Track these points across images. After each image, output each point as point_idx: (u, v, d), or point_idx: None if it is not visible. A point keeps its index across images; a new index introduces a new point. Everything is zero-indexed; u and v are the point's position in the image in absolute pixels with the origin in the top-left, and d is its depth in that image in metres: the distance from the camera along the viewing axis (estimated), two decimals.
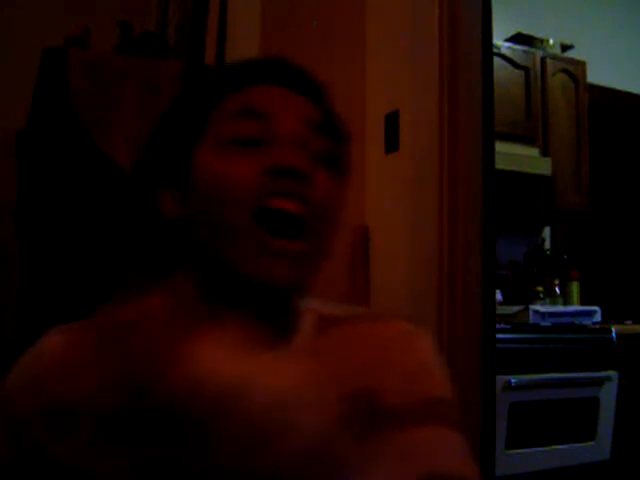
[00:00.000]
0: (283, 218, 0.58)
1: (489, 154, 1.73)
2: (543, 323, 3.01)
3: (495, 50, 2.81)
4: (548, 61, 3.47)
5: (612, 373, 2.88)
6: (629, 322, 3.29)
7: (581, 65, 3.57)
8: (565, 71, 3.53)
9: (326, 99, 0.72)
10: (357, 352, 0.63)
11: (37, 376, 0.63)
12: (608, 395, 2.86)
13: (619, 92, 3.84)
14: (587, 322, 3.15)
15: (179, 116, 0.65)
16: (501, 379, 2.54)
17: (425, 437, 0.58)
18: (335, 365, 0.61)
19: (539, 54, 3.45)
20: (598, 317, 3.21)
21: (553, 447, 2.71)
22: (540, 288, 3.42)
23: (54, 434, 0.60)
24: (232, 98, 0.63)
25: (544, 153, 3.40)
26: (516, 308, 3.08)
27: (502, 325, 2.73)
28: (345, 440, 0.58)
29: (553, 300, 3.42)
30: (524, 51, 3.41)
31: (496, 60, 2.67)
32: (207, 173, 0.60)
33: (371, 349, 0.64)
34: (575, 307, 3.36)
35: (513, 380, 2.61)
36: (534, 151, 3.38)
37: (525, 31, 3.49)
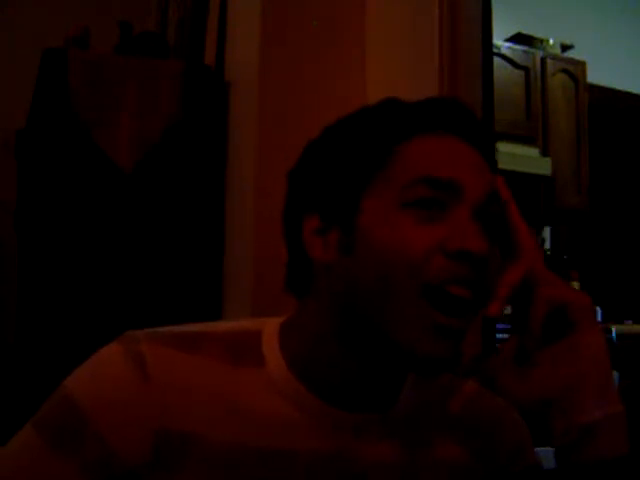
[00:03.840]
0: (455, 301, 0.56)
1: None
2: None
3: (495, 50, 2.82)
4: (548, 61, 3.47)
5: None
6: (629, 322, 3.29)
7: (581, 65, 3.57)
8: (565, 71, 3.53)
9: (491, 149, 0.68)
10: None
11: (141, 394, 0.56)
12: None
13: (619, 92, 3.85)
14: None
15: (350, 154, 0.61)
16: None
17: None
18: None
19: (539, 54, 3.46)
20: (598, 317, 3.21)
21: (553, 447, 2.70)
22: None
23: (159, 463, 0.56)
24: (409, 147, 0.59)
25: (544, 153, 3.41)
26: None
27: (502, 325, 2.73)
28: None
29: None
30: (524, 51, 3.41)
31: (496, 60, 2.67)
32: (380, 237, 0.56)
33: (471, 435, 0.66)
34: None
35: None
36: (534, 151, 3.38)
37: (525, 31, 3.50)
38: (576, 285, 3.49)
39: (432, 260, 0.55)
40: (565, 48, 3.64)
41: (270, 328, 0.63)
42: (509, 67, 3.33)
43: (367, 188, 0.58)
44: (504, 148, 3.18)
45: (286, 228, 0.64)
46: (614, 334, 2.98)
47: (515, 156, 3.24)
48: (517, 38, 3.46)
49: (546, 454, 2.63)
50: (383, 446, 0.60)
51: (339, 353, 0.59)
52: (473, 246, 0.55)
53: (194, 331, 0.63)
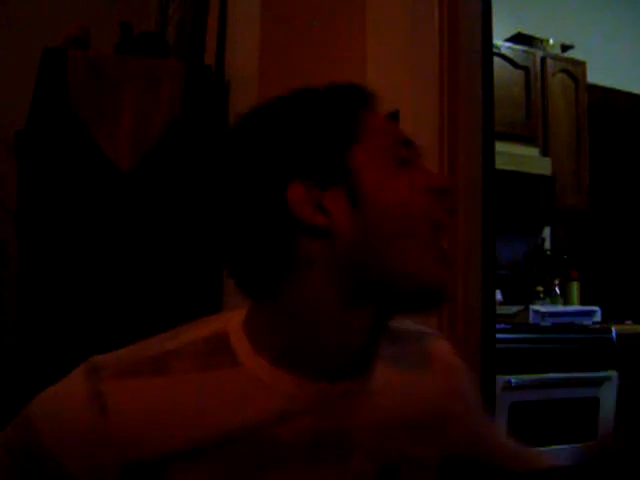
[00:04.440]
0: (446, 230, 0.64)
1: (489, 154, 1.73)
2: (543, 323, 3.01)
3: (495, 50, 2.81)
4: (548, 61, 3.47)
5: (612, 373, 2.88)
6: (629, 322, 3.29)
7: (581, 65, 3.57)
8: (565, 71, 3.53)
9: None
10: (426, 379, 0.73)
11: (101, 433, 0.57)
12: (608, 395, 2.86)
13: (619, 92, 3.84)
14: (587, 322, 3.15)
15: (331, 113, 0.67)
16: (501, 379, 2.54)
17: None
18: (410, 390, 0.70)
19: (539, 54, 3.45)
20: (598, 317, 3.21)
21: (553, 447, 2.71)
22: (540, 288, 3.42)
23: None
24: (371, 118, 0.68)
25: (544, 153, 3.40)
26: (516, 308, 3.08)
27: (502, 325, 2.73)
28: None
29: (553, 300, 3.42)
30: (524, 51, 3.41)
31: (496, 60, 2.67)
32: (390, 189, 0.61)
33: (435, 375, 0.74)
34: (575, 307, 3.36)
35: (513, 380, 2.61)
36: (534, 151, 3.38)
37: (525, 31, 3.49)
38: (576, 285, 3.50)
39: (429, 202, 0.63)
40: (565, 48, 3.64)
41: (235, 329, 0.64)
42: (509, 67, 3.33)
43: (352, 148, 0.62)
44: (504, 148, 3.17)
45: (254, 206, 0.61)
46: (614, 334, 2.98)
47: (515, 156, 3.24)
48: (517, 38, 3.46)
49: (549, 454, 2.60)
50: (365, 411, 0.64)
51: (343, 326, 0.61)
52: (446, 182, 0.68)
53: (159, 352, 0.63)
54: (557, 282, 3.47)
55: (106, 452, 0.57)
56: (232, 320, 0.65)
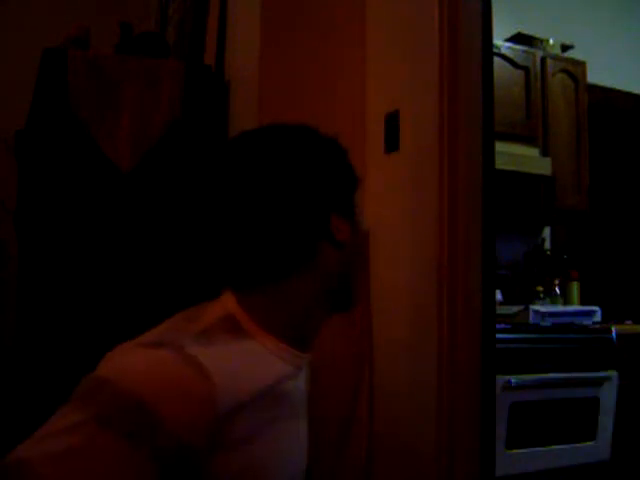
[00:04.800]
0: None
1: (489, 154, 1.73)
2: (543, 323, 3.01)
3: (495, 50, 2.81)
4: (548, 61, 3.47)
5: (612, 373, 2.88)
6: (629, 322, 3.29)
7: (581, 65, 3.57)
8: (565, 71, 3.53)
9: None
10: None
11: (203, 390, 0.68)
12: (608, 395, 2.86)
13: (619, 92, 3.84)
14: (587, 322, 3.15)
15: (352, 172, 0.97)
16: (501, 379, 2.54)
17: None
18: None
19: (539, 54, 3.45)
20: (598, 317, 3.21)
21: (553, 447, 2.71)
22: (540, 288, 3.42)
23: (219, 442, 0.69)
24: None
25: (544, 153, 3.40)
26: (516, 308, 3.08)
27: (502, 325, 2.73)
28: None
29: (553, 300, 3.42)
30: (524, 51, 3.41)
31: (496, 60, 2.67)
32: (357, 231, 0.93)
33: None
34: (575, 307, 3.36)
35: (513, 380, 2.61)
36: (534, 151, 3.38)
37: (525, 31, 3.49)
38: (576, 285, 3.50)
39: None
40: (565, 48, 3.64)
41: (236, 311, 0.81)
42: (509, 67, 3.33)
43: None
44: (504, 148, 3.16)
45: (309, 222, 0.86)
46: (614, 334, 2.98)
47: (515, 156, 3.24)
48: (517, 38, 3.46)
49: (549, 454, 2.58)
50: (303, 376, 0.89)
51: (316, 313, 0.86)
52: None
53: (198, 330, 0.76)
54: (557, 282, 3.47)
55: (206, 406, 0.68)
56: (226, 305, 0.82)
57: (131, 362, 0.69)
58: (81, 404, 0.66)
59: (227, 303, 0.82)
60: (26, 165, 2.15)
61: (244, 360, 0.76)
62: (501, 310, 2.83)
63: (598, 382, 2.84)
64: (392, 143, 1.84)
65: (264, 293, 0.83)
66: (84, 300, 1.91)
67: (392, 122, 1.84)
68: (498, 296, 2.99)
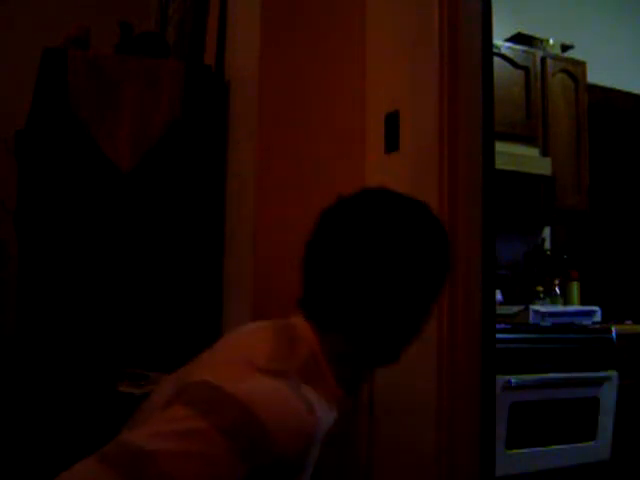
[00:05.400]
0: None
1: (489, 154, 1.73)
2: (543, 323, 3.01)
3: (495, 50, 2.81)
4: (548, 61, 3.47)
5: (612, 373, 2.88)
6: (629, 322, 3.29)
7: (581, 65, 3.57)
8: (565, 71, 3.53)
9: None
10: None
11: (305, 431, 0.78)
12: (608, 395, 2.86)
13: (619, 92, 3.84)
14: (587, 322, 3.15)
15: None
16: (501, 379, 2.54)
17: None
18: None
19: (539, 54, 3.45)
20: (598, 317, 3.21)
21: (553, 447, 2.71)
22: (540, 288, 3.42)
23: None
24: None
25: (544, 153, 3.40)
26: (516, 308, 3.08)
27: (502, 325, 2.73)
28: None
29: (553, 300, 3.42)
30: (524, 51, 3.41)
31: (496, 60, 2.66)
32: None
33: None
34: (575, 307, 3.35)
35: (513, 380, 2.61)
36: (534, 151, 3.38)
37: (525, 31, 3.49)
38: (576, 285, 3.49)
39: None
40: (565, 48, 3.64)
41: (316, 348, 0.88)
42: (509, 67, 3.33)
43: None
44: (504, 148, 3.15)
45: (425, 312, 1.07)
46: (614, 334, 2.98)
47: (515, 156, 3.24)
48: (517, 38, 3.46)
49: (549, 454, 2.58)
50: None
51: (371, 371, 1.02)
52: None
53: (296, 366, 0.84)
54: (557, 282, 3.47)
55: (312, 440, 0.78)
56: (309, 339, 0.88)
57: (258, 388, 0.77)
58: (201, 413, 0.73)
59: (309, 337, 0.89)
60: (26, 165, 2.15)
61: (324, 400, 0.84)
62: (501, 310, 2.83)
63: (598, 382, 2.84)
64: (392, 143, 1.84)
65: (343, 340, 0.91)
66: (84, 300, 1.91)
67: (392, 122, 1.84)
68: (498, 296, 2.99)
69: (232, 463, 0.71)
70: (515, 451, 2.61)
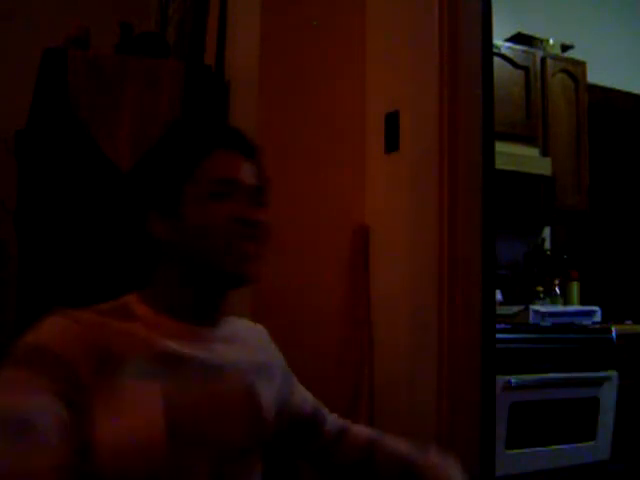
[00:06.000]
0: (246, 248, 0.99)
1: (489, 154, 1.73)
2: (543, 323, 3.01)
3: (495, 50, 2.82)
4: (548, 61, 3.47)
5: (612, 373, 2.88)
6: (629, 322, 3.29)
7: (581, 65, 3.57)
8: (565, 71, 3.53)
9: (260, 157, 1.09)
10: (250, 336, 1.11)
11: (74, 333, 0.88)
12: (608, 395, 2.86)
13: (619, 92, 3.85)
14: (587, 322, 3.15)
15: (173, 158, 1.00)
16: (501, 379, 2.54)
17: None
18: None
19: (539, 54, 3.46)
20: (598, 317, 3.21)
21: (553, 447, 2.71)
22: (540, 288, 3.42)
23: (99, 374, 0.86)
24: (213, 157, 0.99)
25: (544, 153, 3.41)
26: (516, 308, 3.09)
27: (502, 325, 2.73)
28: None
29: (553, 300, 3.42)
30: (524, 51, 3.41)
31: (496, 60, 2.67)
32: (198, 218, 0.95)
33: (255, 336, 1.13)
34: (575, 307, 3.36)
35: (513, 380, 2.61)
36: (534, 151, 3.38)
37: (525, 31, 3.50)
38: (576, 285, 3.50)
39: (230, 229, 0.95)
40: (565, 48, 3.64)
41: (133, 299, 1.01)
42: (509, 67, 3.33)
43: (185, 188, 0.96)
44: (504, 148, 3.16)
45: (135, 223, 1.02)
46: (614, 334, 2.99)
47: (515, 156, 3.24)
48: (517, 38, 3.46)
49: (549, 454, 2.58)
50: (217, 347, 1.00)
51: (187, 293, 0.99)
52: (251, 214, 0.97)
53: (97, 309, 0.97)
54: (557, 282, 3.47)
55: (84, 342, 0.87)
56: (126, 296, 1.03)
57: (40, 326, 0.89)
58: (8, 362, 0.86)
59: (127, 297, 1.02)
60: (26, 165, 2.15)
61: (122, 330, 0.93)
62: (501, 310, 2.83)
63: (598, 382, 2.85)
64: (392, 143, 1.84)
65: (151, 285, 1.02)
66: (84, 300, 1.90)
67: (392, 122, 1.84)
68: (498, 296, 2.99)
69: (37, 384, 0.82)
70: (515, 451, 2.61)
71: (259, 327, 1.17)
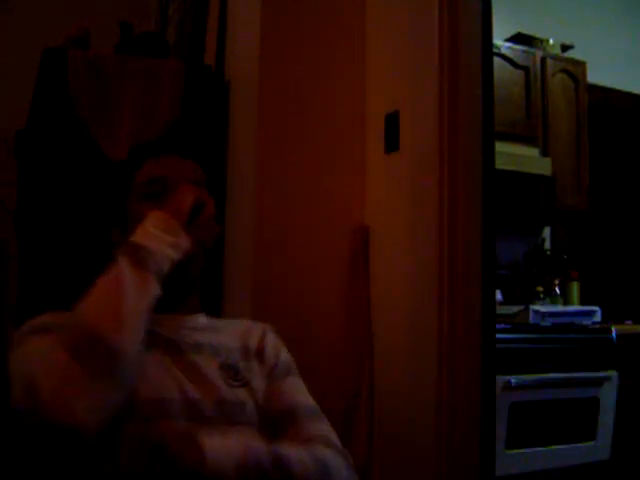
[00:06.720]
0: None
1: (489, 154, 1.73)
2: (543, 323, 3.01)
3: (495, 50, 2.82)
4: (548, 61, 3.47)
5: (612, 373, 2.88)
6: (629, 322, 3.29)
7: (581, 65, 3.57)
8: (565, 71, 3.53)
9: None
10: (245, 329, 1.18)
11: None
12: (608, 395, 2.86)
13: (619, 92, 3.85)
14: (587, 322, 3.15)
15: (121, 182, 1.16)
16: (501, 379, 2.54)
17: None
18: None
19: (539, 54, 3.46)
20: (598, 317, 3.21)
21: (553, 447, 2.71)
22: (540, 288, 3.42)
23: None
24: (144, 167, 1.15)
25: (544, 153, 3.41)
26: (516, 308, 3.09)
27: (502, 325, 2.73)
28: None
29: (553, 300, 3.42)
30: (524, 51, 3.41)
31: (496, 60, 2.67)
32: (136, 214, 1.06)
33: (252, 330, 1.19)
34: (575, 307, 3.36)
35: (513, 380, 2.61)
36: (534, 151, 3.38)
37: (525, 31, 3.50)
38: (576, 285, 3.50)
39: None
40: (565, 48, 3.64)
41: None
42: (509, 67, 3.33)
43: (128, 201, 1.13)
44: (504, 148, 3.16)
45: (107, 231, 1.18)
46: (614, 334, 2.98)
47: (515, 156, 3.24)
48: (517, 38, 3.46)
49: (549, 454, 2.57)
50: (192, 330, 1.11)
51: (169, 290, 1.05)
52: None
53: None
54: (557, 282, 3.47)
55: None
56: None
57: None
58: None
59: None
60: (26, 165, 2.15)
61: None
62: (501, 310, 2.83)
63: (598, 382, 2.85)
64: (392, 143, 1.84)
65: None
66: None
67: (392, 122, 1.84)
68: (498, 296, 2.99)
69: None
70: (515, 451, 2.61)
71: (260, 324, 1.22)
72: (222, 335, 1.13)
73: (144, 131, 1.98)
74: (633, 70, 3.86)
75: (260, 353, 1.13)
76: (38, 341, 0.98)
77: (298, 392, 1.14)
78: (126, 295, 0.94)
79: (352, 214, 1.94)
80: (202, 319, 1.15)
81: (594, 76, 3.61)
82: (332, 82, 1.96)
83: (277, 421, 1.07)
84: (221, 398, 1.02)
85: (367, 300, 1.88)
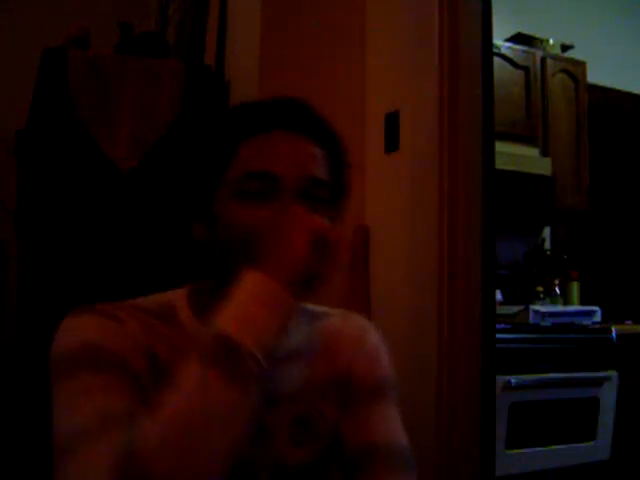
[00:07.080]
0: None
1: (489, 154, 1.73)
2: (543, 323, 3.01)
3: (495, 50, 2.81)
4: (548, 61, 3.47)
5: (612, 373, 2.88)
6: (629, 322, 3.29)
7: (581, 65, 3.57)
8: (565, 71, 3.53)
9: (331, 135, 0.91)
10: (333, 343, 0.92)
11: (119, 331, 0.83)
12: (608, 395, 2.86)
13: (619, 92, 3.85)
14: (587, 322, 3.15)
15: (203, 163, 0.90)
16: (501, 379, 2.54)
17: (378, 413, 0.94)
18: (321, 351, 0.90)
19: (539, 54, 3.45)
20: (598, 317, 3.21)
21: (553, 447, 2.71)
22: (540, 288, 3.42)
23: (152, 376, 0.80)
24: (246, 147, 0.81)
25: (544, 153, 3.41)
26: (516, 308, 3.08)
27: (502, 325, 2.73)
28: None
29: (553, 300, 3.42)
30: (524, 51, 3.41)
31: (496, 60, 2.67)
32: (230, 219, 0.80)
33: (342, 341, 0.93)
34: (575, 307, 3.36)
35: (513, 380, 2.61)
36: (534, 151, 3.38)
37: (525, 31, 3.50)
38: (576, 285, 3.50)
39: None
40: (565, 48, 3.64)
41: (179, 297, 0.94)
42: (509, 67, 3.33)
43: (220, 184, 0.83)
44: (504, 148, 3.16)
45: (183, 230, 0.94)
46: (614, 334, 2.98)
47: (515, 156, 3.24)
48: (517, 38, 3.46)
49: (549, 454, 2.57)
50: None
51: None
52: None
53: (134, 304, 0.94)
54: (557, 282, 3.47)
55: (131, 339, 0.82)
56: (174, 293, 0.96)
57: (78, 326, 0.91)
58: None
59: (177, 292, 0.95)
60: (26, 165, 2.15)
61: (164, 336, 0.87)
62: (501, 310, 2.83)
63: (598, 382, 2.85)
64: (392, 143, 1.84)
65: (197, 287, 0.95)
66: (84, 301, 1.90)
67: (392, 122, 1.84)
68: (498, 296, 2.99)
69: (111, 385, 0.79)
70: (515, 451, 2.61)
71: (356, 324, 0.97)
72: (296, 365, 0.87)
73: (144, 131, 1.99)
74: (633, 70, 3.85)
75: (347, 376, 0.91)
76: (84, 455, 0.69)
77: (383, 424, 0.96)
78: (214, 424, 0.67)
79: (352, 214, 1.94)
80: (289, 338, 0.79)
81: (594, 76, 3.61)
82: (332, 82, 1.96)
83: (352, 460, 0.90)
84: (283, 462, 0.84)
85: (367, 300, 1.88)
